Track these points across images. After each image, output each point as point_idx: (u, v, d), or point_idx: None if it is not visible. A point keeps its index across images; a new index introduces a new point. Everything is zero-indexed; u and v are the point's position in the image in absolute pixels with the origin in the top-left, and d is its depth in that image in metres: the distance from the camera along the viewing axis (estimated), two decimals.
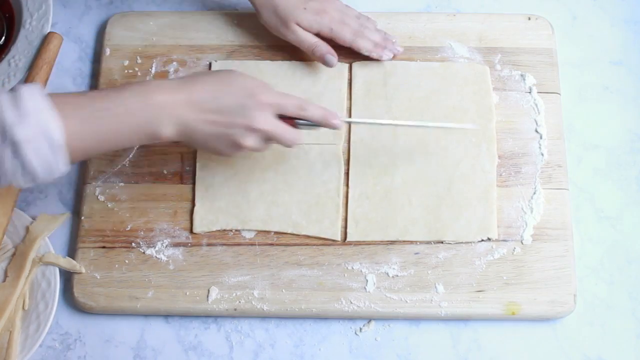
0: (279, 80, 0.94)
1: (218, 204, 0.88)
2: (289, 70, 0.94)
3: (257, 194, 0.88)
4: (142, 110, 0.71)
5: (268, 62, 0.95)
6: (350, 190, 0.88)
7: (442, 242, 0.86)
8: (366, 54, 0.92)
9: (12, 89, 0.65)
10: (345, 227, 0.86)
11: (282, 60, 0.95)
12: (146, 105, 0.71)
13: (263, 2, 0.89)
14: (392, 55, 0.93)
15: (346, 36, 0.91)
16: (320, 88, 0.93)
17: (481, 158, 0.89)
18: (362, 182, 0.88)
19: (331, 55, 0.90)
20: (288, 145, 0.79)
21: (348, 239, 0.86)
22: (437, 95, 0.92)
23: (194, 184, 0.89)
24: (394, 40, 0.94)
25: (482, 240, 0.85)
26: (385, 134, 0.90)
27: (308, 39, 0.90)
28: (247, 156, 0.89)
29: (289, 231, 0.87)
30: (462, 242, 0.85)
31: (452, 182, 0.88)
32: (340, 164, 0.89)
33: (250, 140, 0.76)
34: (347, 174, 0.89)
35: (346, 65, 0.94)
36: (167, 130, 0.72)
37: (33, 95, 0.64)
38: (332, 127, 0.80)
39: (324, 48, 0.90)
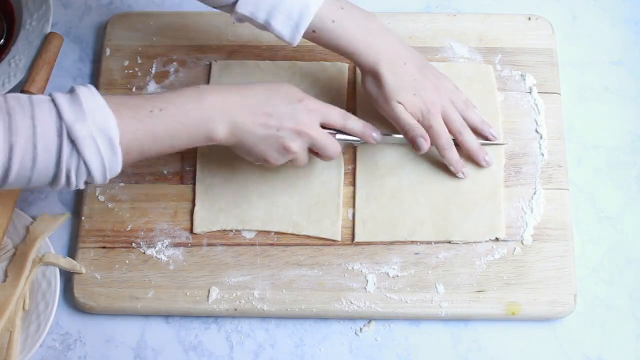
0: (279, 80, 0.94)
1: (218, 204, 0.88)
2: (289, 70, 0.94)
3: (257, 194, 0.88)
4: (196, 110, 0.72)
5: (268, 62, 0.95)
6: (357, 191, 0.88)
7: (450, 242, 0.86)
8: (447, 164, 0.86)
9: (70, 90, 0.67)
10: (353, 228, 0.86)
11: (282, 60, 0.95)
12: (201, 105, 0.72)
13: (369, 71, 0.82)
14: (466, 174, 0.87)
15: (442, 139, 0.84)
16: (320, 88, 0.93)
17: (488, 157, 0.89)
18: (369, 183, 0.88)
19: (424, 139, 0.82)
20: (329, 157, 0.80)
21: (356, 240, 0.86)
22: None
23: (194, 184, 0.89)
24: (492, 135, 0.88)
25: (487, 240, 0.85)
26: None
27: (407, 120, 0.82)
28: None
29: (289, 231, 0.87)
30: (470, 242, 0.85)
31: (459, 182, 0.88)
32: (340, 164, 0.89)
33: (296, 145, 0.77)
34: (353, 174, 0.89)
35: (346, 65, 0.94)
36: (221, 131, 0.73)
37: (90, 95, 0.66)
38: (371, 141, 0.81)
39: (419, 131, 0.82)
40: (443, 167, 0.88)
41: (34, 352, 0.83)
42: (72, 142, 0.64)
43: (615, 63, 0.97)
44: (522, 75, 0.94)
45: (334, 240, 0.86)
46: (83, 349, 0.84)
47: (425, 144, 0.82)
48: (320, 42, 0.82)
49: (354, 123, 0.80)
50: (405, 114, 0.82)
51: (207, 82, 0.94)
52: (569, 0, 1.01)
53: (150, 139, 0.70)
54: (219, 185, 0.89)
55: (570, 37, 0.99)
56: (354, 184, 0.89)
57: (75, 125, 0.64)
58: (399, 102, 0.82)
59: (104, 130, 0.65)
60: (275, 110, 0.75)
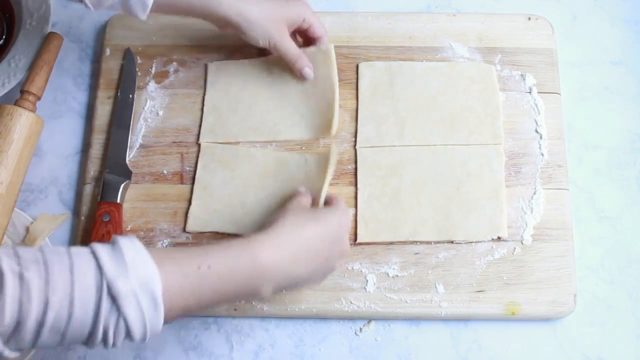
0: (279, 80, 0.93)
1: (214, 205, 0.87)
2: (287, 70, 0.94)
3: (254, 200, 0.87)
4: (247, 270, 0.68)
5: (265, 61, 0.95)
6: (359, 191, 0.88)
7: (451, 242, 0.86)
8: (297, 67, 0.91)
9: (111, 241, 0.63)
10: (355, 229, 0.86)
11: (282, 60, 0.95)
12: (252, 265, 0.68)
13: (241, 23, 0.86)
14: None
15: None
16: (320, 88, 0.93)
17: (489, 157, 0.89)
18: (370, 183, 0.88)
19: (309, 68, 0.90)
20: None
21: (359, 240, 0.86)
22: (443, 95, 0.92)
23: (193, 184, 0.89)
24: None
25: (488, 240, 0.85)
26: (391, 133, 0.90)
27: (292, 50, 0.89)
28: (248, 161, 0.89)
29: None
30: (471, 242, 0.85)
31: (460, 182, 0.88)
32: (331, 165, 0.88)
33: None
34: (355, 175, 0.89)
35: None
36: (266, 290, 0.70)
37: (132, 247, 0.62)
38: None
39: (305, 61, 0.90)
40: (444, 166, 0.88)
41: (34, 352, 0.83)
42: (113, 298, 0.59)
43: (615, 63, 0.97)
44: (522, 75, 0.94)
45: None
46: (83, 349, 0.84)
47: (310, 73, 0.91)
48: (172, 8, 0.85)
49: None
50: (289, 46, 0.89)
51: (205, 82, 0.94)
52: (569, 0, 1.01)
53: (196, 299, 0.65)
54: (217, 186, 0.88)
55: (570, 37, 0.99)
56: (355, 184, 0.89)
57: (117, 281, 0.59)
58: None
59: (146, 286, 0.60)
60: (326, 266, 0.75)
